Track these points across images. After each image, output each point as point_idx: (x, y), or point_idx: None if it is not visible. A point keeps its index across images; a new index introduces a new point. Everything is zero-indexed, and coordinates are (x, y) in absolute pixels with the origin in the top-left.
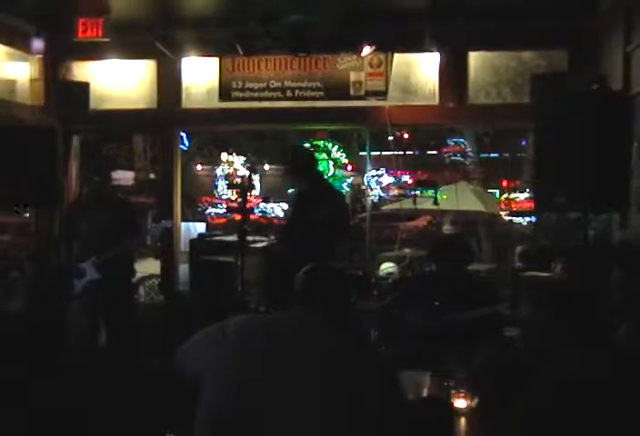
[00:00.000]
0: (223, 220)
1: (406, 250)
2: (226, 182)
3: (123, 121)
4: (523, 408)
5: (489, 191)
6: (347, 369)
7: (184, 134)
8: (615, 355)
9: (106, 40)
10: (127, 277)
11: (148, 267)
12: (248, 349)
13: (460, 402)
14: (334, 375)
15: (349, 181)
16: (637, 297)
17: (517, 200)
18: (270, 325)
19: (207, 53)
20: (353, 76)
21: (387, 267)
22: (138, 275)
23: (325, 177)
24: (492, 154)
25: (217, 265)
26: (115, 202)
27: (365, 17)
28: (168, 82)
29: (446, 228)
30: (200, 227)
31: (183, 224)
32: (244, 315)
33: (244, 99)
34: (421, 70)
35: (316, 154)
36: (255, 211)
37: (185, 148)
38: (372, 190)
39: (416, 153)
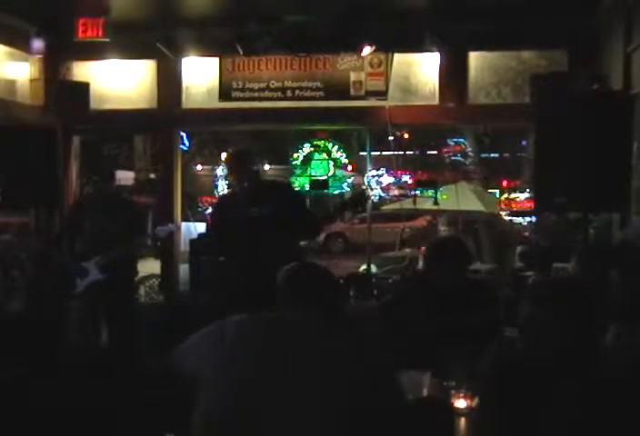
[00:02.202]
0: None
1: (406, 250)
2: (226, 182)
3: (123, 121)
4: (523, 409)
5: (489, 191)
6: (346, 368)
7: (184, 134)
8: (613, 357)
9: (106, 40)
10: (130, 277)
11: (148, 267)
12: (246, 348)
13: (460, 402)
14: (332, 375)
15: (349, 181)
16: (628, 298)
17: (517, 200)
18: (268, 324)
19: (207, 53)
20: (353, 76)
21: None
22: (138, 275)
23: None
24: (492, 154)
25: (217, 265)
26: (120, 202)
27: (365, 17)
28: (168, 82)
29: (443, 229)
30: (200, 227)
31: (183, 224)
32: (241, 315)
33: (244, 99)
34: (421, 70)
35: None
36: None
37: (185, 148)
38: (372, 190)
39: (416, 153)
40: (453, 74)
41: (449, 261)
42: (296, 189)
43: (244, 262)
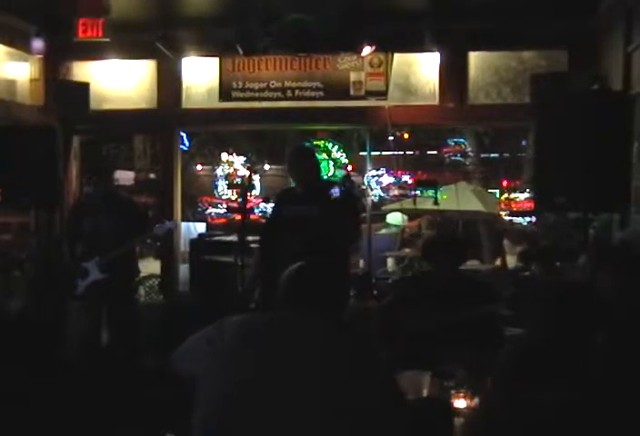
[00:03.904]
0: (223, 220)
1: (406, 250)
2: (226, 182)
3: (123, 121)
4: (522, 408)
5: (489, 191)
6: (345, 369)
7: (184, 134)
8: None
9: (106, 40)
10: (131, 277)
11: (148, 267)
12: (244, 348)
13: (460, 402)
14: (331, 375)
15: None
16: (621, 301)
17: (517, 200)
18: (266, 325)
19: (207, 53)
20: (353, 76)
21: (395, 218)
22: (139, 275)
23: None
24: (492, 154)
25: (217, 265)
26: (120, 202)
27: (365, 17)
28: (168, 82)
29: (425, 232)
30: (200, 227)
31: (183, 224)
32: (240, 315)
33: (244, 99)
34: (421, 70)
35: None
36: (255, 211)
37: (185, 148)
38: (372, 190)
39: (416, 153)
40: (453, 74)
41: (441, 260)
42: (351, 196)
43: (283, 259)
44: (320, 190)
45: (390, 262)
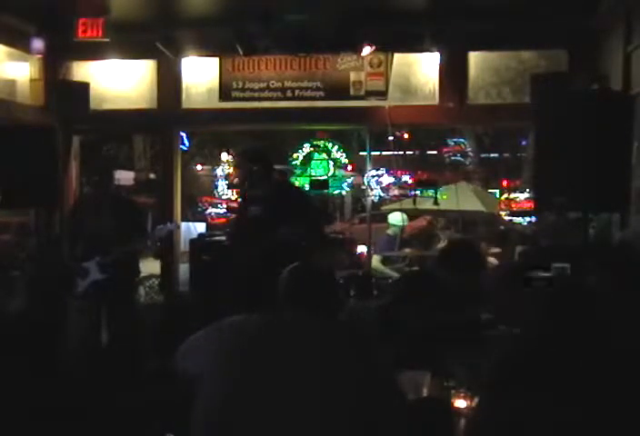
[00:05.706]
0: (223, 220)
1: (406, 250)
2: (226, 182)
3: (123, 121)
4: (520, 407)
5: (489, 191)
6: (345, 369)
7: (184, 134)
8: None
9: (106, 40)
10: (131, 277)
11: (148, 267)
12: (244, 348)
13: (460, 402)
14: (331, 375)
15: (349, 181)
16: (619, 302)
17: (517, 200)
18: (267, 326)
19: (207, 53)
20: (353, 76)
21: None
22: (140, 275)
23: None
24: (492, 154)
25: (217, 265)
26: (120, 202)
27: (365, 17)
28: (168, 82)
29: (440, 232)
30: (200, 227)
31: (183, 224)
32: (240, 315)
33: (244, 99)
34: (421, 70)
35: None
36: None
37: (185, 148)
38: (372, 190)
39: (416, 153)
40: (453, 74)
41: (462, 269)
42: (297, 187)
43: (240, 260)
44: (274, 192)
45: (375, 260)
